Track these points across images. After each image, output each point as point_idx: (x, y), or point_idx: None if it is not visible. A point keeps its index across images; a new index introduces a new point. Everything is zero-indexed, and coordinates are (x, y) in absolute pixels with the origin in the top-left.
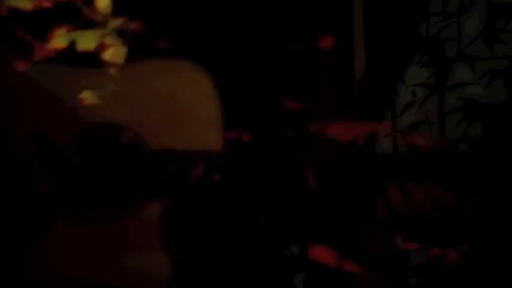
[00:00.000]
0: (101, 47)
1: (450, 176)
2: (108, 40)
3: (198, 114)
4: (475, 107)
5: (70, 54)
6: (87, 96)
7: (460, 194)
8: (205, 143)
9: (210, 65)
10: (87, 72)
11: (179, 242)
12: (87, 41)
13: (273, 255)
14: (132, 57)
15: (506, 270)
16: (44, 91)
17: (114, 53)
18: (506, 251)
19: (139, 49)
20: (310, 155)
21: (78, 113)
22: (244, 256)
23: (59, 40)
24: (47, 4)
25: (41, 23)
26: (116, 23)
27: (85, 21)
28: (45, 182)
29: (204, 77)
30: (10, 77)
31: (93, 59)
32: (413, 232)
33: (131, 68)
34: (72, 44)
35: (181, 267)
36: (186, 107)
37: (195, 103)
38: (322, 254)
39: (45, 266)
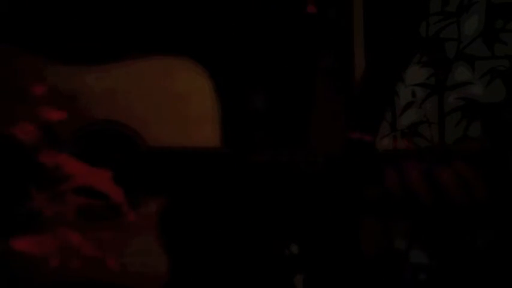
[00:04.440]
0: None
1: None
2: None
3: (196, 111)
4: (474, 106)
5: (70, 53)
6: None
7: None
8: (203, 140)
9: (209, 63)
10: (87, 70)
11: (177, 240)
12: None
13: (273, 255)
14: (130, 54)
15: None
16: (45, 89)
17: None
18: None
19: (138, 46)
20: (308, 151)
21: (77, 111)
22: (244, 256)
23: None
24: None
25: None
26: None
27: None
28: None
29: (202, 75)
30: (13, 77)
31: (92, 57)
32: (407, 217)
33: (130, 65)
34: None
35: (179, 266)
36: (184, 104)
37: (193, 100)
38: None
39: (42, 264)
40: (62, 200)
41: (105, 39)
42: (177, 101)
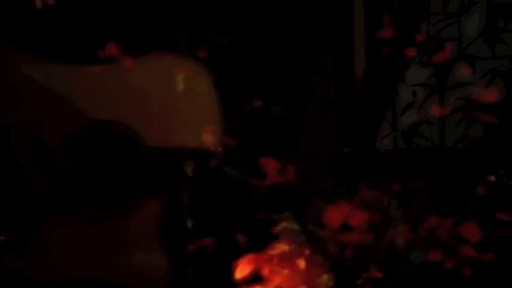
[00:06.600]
0: None
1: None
2: None
3: (197, 112)
4: (475, 107)
5: (68, 52)
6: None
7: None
8: (202, 141)
9: (209, 64)
10: (86, 70)
11: (177, 240)
12: None
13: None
14: (130, 54)
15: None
16: (43, 89)
17: None
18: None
19: (138, 46)
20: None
21: (76, 111)
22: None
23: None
24: None
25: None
26: None
27: None
28: (41, 180)
29: (204, 75)
30: (10, 76)
31: (91, 57)
32: None
33: (130, 65)
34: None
35: (180, 265)
36: (184, 105)
37: (193, 101)
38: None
39: (45, 265)
40: None
41: (106, 39)
42: (177, 101)
